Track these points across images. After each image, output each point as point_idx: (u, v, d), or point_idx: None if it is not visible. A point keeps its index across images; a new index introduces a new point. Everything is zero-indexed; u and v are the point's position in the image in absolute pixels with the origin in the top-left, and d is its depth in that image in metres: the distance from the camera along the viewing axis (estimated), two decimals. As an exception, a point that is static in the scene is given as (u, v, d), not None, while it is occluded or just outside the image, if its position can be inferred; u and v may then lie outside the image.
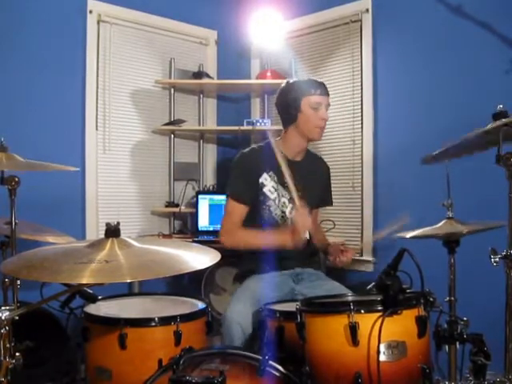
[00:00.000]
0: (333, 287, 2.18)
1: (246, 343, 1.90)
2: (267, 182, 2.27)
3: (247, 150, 2.34)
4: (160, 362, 1.64)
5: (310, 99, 2.23)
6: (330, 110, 3.25)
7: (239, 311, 1.95)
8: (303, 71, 3.50)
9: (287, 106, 2.27)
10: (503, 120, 1.68)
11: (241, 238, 2.22)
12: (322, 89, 2.27)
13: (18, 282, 1.79)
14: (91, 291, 1.85)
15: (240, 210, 2.24)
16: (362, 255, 3.14)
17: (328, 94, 2.30)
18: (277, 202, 2.27)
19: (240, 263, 2.42)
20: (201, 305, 1.94)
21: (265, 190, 2.26)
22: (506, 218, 1.74)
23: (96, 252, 1.26)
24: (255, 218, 2.27)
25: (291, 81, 2.34)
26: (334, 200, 2.55)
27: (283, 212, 2.28)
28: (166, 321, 1.74)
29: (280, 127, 2.46)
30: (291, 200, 2.26)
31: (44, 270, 1.19)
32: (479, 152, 1.93)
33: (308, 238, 2.30)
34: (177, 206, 3.51)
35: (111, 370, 1.69)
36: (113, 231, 1.32)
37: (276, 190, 2.27)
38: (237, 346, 1.88)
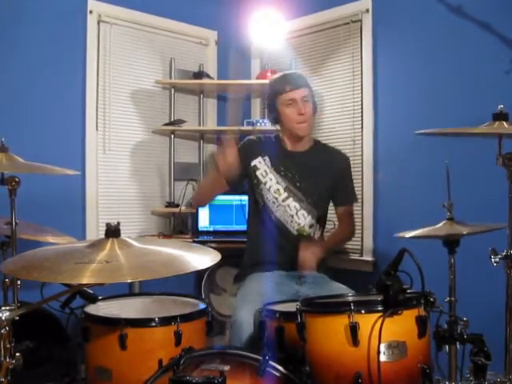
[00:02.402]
0: (337, 288, 2.17)
1: (248, 343, 1.90)
2: (260, 165, 2.30)
3: (254, 135, 2.42)
4: (160, 362, 1.64)
5: (282, 98, 2.22)
6: (329, 109, 3.25)
7: (247, 313, 1.93)
8: (303, 71, 3.50)
9: (268, 107, 2.34)
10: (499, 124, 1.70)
11: (198, 188, 2.33)
12: (293, 82, 2.22)
13: (19, 282, 1.79)
14: (91, 291, 1.85)
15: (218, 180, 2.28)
16: (362, 255, 3.15)
17: (302, 86, 2.23)
18: (267, 186, 2.28)
19: (241, 261, 2.41)
20: (201, 305, 1.93)
21: (257, 173, 2.30)
22: (506, 218, 1.74)
23: (96, 252, 1.26)
24: (252, 200, 2.34)
25: (269, 81, 2.39)
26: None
27: (275, 198, 2.28)
28: (166, 321, 1.74)
29: (279, 127, 2.47)
30: (287, 189, 2.27)
31: (44, 270, 1.19)
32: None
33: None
34: (177, 206, 3.51)
35: (111, 370, 1.69)
36: (113, 231, 1.32)
37: (267, 174, 2.29)
38: (237, 346, 1.88)
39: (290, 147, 2.34)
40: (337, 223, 2.61)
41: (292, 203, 2.28)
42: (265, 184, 2.28)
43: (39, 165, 1.93)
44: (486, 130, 1.73)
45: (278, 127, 2.43)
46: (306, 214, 2.29)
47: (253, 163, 2.31)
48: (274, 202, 2.28)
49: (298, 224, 2.29)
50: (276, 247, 2.24)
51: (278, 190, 2.28)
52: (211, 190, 2.38)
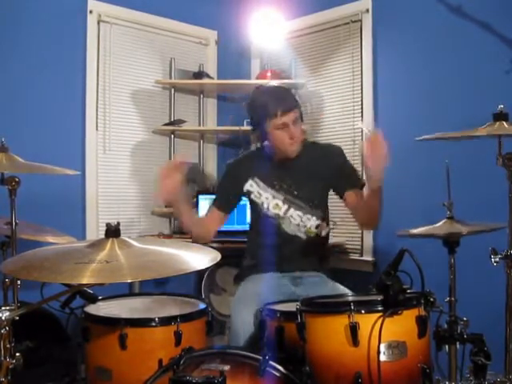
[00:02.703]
0: (334, 288, 2.16)
1: (247, 343, 1.90)
2: (252, 188, 2.26)
3: (233, 160, 2.37)
4: (160, 362, 1.64)
5: (274, 122, 2.10)
6: (330, 109, 3.24)
7: (244, 315, 1.93)
8: (303, 71, 3.51)
9: (255, 126, 2.21)
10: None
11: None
12: (284, 105, 2.10)
13: (18, 282, 1.79)
14: (91, 291, 1.85)
15: (215, 216, 2.28)
16: (362, 255, 3.15)
17: (293, 107, 2.12)
18: (265, 205, 2.24)
19: (240, 263, 2.41)
20: (201, 305, 1.93)
21: (252, 196, 2.26)
22: (506, 218, 1.74)
23: (96, 252, 1.26)
24: (257, 225, 2.29)
25: (255, 95, 2.23)
26: (334, 200, 2.42)
27: (277, 214, 2.24)
28: (166, 321, 1.73)
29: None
30: (286, 200, 2.25)
31: (44, 270, 1.19)
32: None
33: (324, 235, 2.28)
34: (177, 206, 3.51)
35: (111, 370, 1.69)
36: (113, 231, 1.32)
37: (261, 195, 2.25)
38: (237, 346, 1.88)
39: (280, 157, 2.24)
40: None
41: (294, 213, 2.24)
42: (262, 204, 2.25)
43: (39, 165, 1.93)
44: (486, 133, 1.73)
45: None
46: (310, 217, 2.24)
47: (245, 188, 2.26)
48: (276, 218, 2.25)
49: (305, 226, 2.27)
50: (280, 254, 2.21)
51: (277, 204, 2.24)
52: (200, 229, 2.25)
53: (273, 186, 2.25)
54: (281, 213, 2.24)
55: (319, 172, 2.26)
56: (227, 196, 2.32)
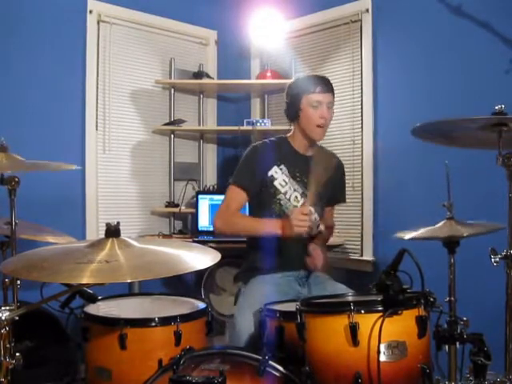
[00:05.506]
0: (339, 289, 2.15)
1: (250, 344, 1.89)
2: (278, 175, 2.25)
3: (259, 142, 2.34)
4: (160, 362, 1.64)
5: (309, 97, 2.20)
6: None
7: (248, 324, 1.93)
8: (303, 71, 3.50)
9: (290, 103, 2.27)
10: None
11: (234, 224, 2.22)
12: (323, 86, 2.22)
13: (18, 282, 1.79)
14: (91, 291, 1.85)
15: (239, 196, 2.23)
16: (362, 255, 3.15)
17: (331, 91, 2.25)
18: (287, 195, 2.26)
19: (243, 262, 2.40)
20: (201, 305, 1.93)
21: (275, 183, 2.25)
22: (506, 218, 1.74)
23: (96, 252, 1.26)
24: (267, 211, 2.26)
25: (298, 76, 2.35)
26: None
27: (295, 207, 2.25)
28: (166, 321, 1.74)
29: (279, 127, 2.44)
30: (303, 195, 2.26)
31: (44, 270, 1.19)
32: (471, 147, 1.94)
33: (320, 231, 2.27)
34: (177, 206, 3.52)
35: (111, 370, 1.69)
36: (113, 231, 1.32)
37: (287, 184, 2.26)
38: (237, 346, 1.88)
39: (302, 151, 2.31)
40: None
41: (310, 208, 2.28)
42: (285, 194, 2.25)
43: (38, 162, 1.92)
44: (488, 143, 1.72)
45: (274, 129, 2.40)
46: (316, 216, 2.30)
47: (270, 173, 2.24)
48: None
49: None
50: (285, 250, 2.20)
51: (297, 197, 2.26)
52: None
53: (294, 177, 2.27)
54: (299, 205, 2.25)
55: (329, 175, 2.33)
56: (254, 177, 2.24)
